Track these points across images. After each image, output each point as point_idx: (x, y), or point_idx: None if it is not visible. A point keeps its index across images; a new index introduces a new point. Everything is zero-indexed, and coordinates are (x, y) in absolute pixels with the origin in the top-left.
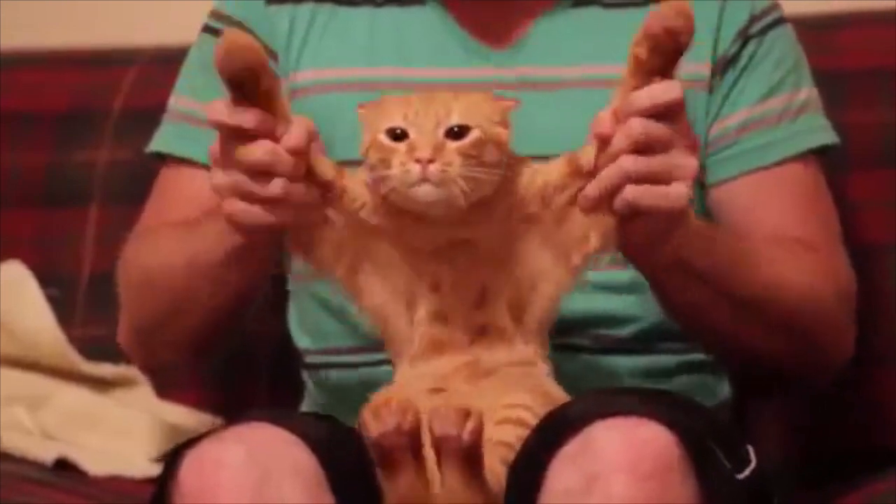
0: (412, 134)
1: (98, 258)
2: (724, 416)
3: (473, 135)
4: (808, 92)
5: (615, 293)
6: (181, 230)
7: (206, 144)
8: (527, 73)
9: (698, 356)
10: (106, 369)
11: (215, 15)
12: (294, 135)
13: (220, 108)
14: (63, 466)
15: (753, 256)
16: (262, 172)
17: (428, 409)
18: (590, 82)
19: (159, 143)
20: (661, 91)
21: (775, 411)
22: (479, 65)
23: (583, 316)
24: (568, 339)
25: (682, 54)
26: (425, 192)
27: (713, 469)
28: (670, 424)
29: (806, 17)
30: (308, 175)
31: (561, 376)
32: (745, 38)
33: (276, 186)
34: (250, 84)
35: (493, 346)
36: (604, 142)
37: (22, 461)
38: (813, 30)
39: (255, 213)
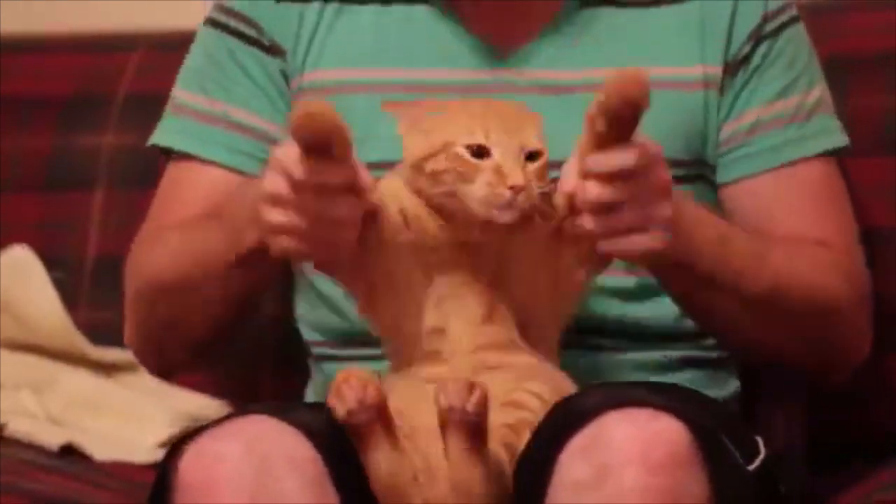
0: (497, 155)
1: (103, 242)
2: (733, 408)
3: (545, 158)
4: (819, 91)
5: (624, 298)
6: (188, 231)
7: (213, 141)
8: (534, 76)
9: (706, 352)
10: (112, 353)
11: (222, 9)
12: (365, 184)
13: (296, 163)
14: (69, 452)
15: (768, 256)
16: (332, 197)
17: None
18: (598, 86)
19: (165, 137)
20: (617, 159)
21: (782, 401)
22: (487, 67)
23: (591, 315)
24: (576, 337)
25: (639, 120)
26: (509, 216)
27: (724, 461)
28: (682, 416)
29: (811, 1)
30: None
31: (569, 373)
32: (757, 38)
33: (346, 233)
34: (328, 147)
35: (500, 353)
36: (568, 197)
37: (28, 446)
38: (818, 14)
39: (306, 250)
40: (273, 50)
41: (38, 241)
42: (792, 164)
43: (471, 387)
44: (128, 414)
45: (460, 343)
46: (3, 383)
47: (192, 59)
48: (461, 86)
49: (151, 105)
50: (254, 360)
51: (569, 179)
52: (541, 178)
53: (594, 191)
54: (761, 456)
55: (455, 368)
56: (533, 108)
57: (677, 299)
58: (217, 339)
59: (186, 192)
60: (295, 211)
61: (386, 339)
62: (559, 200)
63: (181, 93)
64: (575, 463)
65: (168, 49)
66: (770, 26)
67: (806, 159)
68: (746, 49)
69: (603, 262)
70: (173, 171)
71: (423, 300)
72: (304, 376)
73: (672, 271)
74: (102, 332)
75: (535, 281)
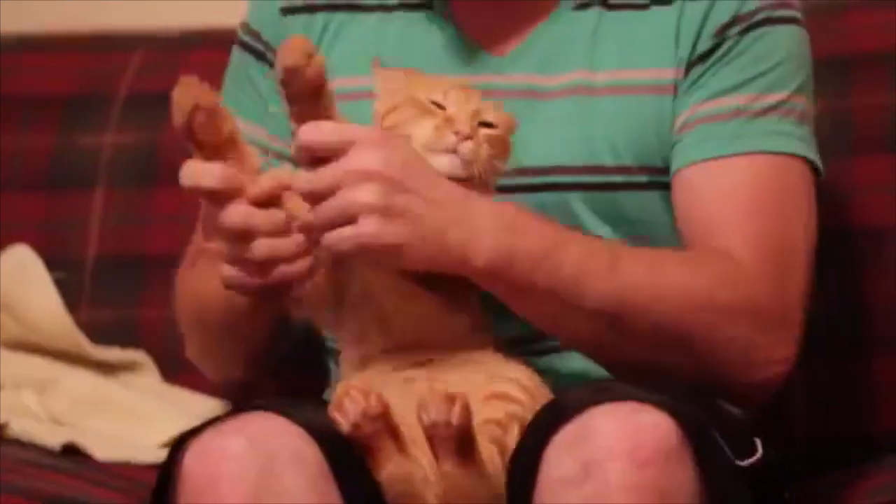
0: (451, 109)
1: (104, 241)
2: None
3: (500, 132)
4: (785, 96)
5: None
6: (203, 273)
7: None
8: (522, 80)
9: None
10: (113, 353)
11: (242, 26)
12: (261, 187)
13: (189, 171)
14: (70, 452)
15: (619, 266)
16: (243, 236)
17: (405, 397)
18: (589, 89)
19: None
20: (304, 134)
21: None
22: (478, 71)
23: None
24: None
25: (320, 87)
26: (449, 163)
27: (713, 456)
28: (668, 410)
29: (812, 1)
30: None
31: (552, 372)
32: (722, 35)
33: (259, 249)
34: (207, 131)
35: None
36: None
37: (29, 446)
38: (818, 13)
39: (245, 278)
40: None
41: (39, 240)
42: (722, 158)
43: (451, 399)
44: (129, 414)
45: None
46: (4, 383)
47: (225, 81)
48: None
49: (152, 104)
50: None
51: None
52: (493, 148)
53: (301, 179)
54: (757, 454)
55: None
56: (520, 112)
57: (516, 311)
58: (261, 359)
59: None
60: (216, 234)
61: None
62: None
63: None
64: (560, 459)
65: (169, 49)
66: (740, 26)
67: (741, 156)
68: (709, 45)
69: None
70: None
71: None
72: (307, 378)
73: (482, 276)
74: (103, 331)
75: None
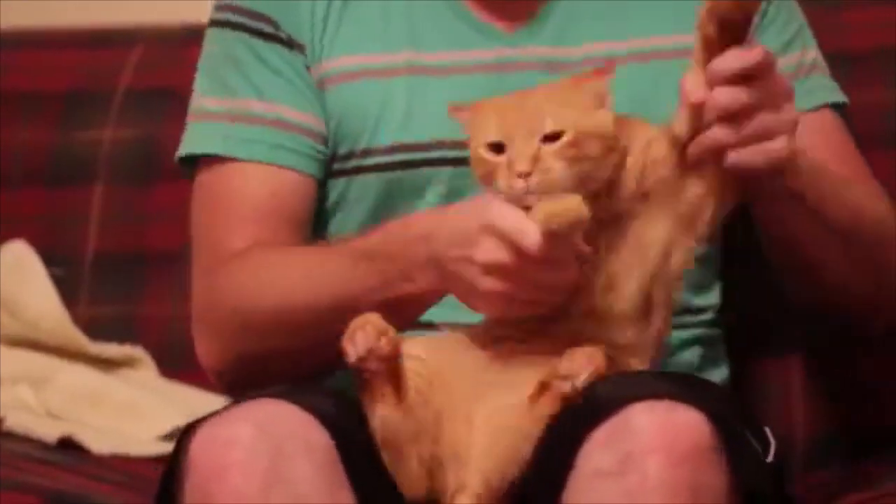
0: (509, 147)
1: (103, 238)
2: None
3: (566, 137)
4: (815, 53)
5: None
6: (302, 258)
7: (253, 140)
8: (537, 53)
9: (702, 331)
10: (111, 349)
11: (232, 9)
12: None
13: (529, 235)
14: (67, 445)
15: (844, 189)
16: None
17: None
18: (605, 59)
19: (201, 144)
20: (741, 60)
21: (774, 393)
22: (491, 46)
23: None
24: None
25: (751, 22)
26: (534, 200)
27: (745, 453)
28: (704, 408)
29: None
30: None
31: None
32: None
33: (560, 294)
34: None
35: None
36: (696, 110)
37: (25, 440)
38: (817, 10)
39: (516, 312)
40: (291, 44)
41: (38, 236)
42: (804, 112)
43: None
44: (127, 408)
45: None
46: (1, 378)
47: (209, 63)
48: (466, 67)
49: (151, 100)
50: None
51: (695, 90)
52: (567, 156)
53: (725, 96)
54: (773, 446)
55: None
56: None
57: (766, 230)
58: (316, 369)
59: (235, 198)
60: (515, 281)
61: None
62: (682, 120)
63: (205, 100)
64: (597, 452)
65: (168, 44)
66: None
67: (813, 111)
68: None
69: (730, 191)
70: (212, 179)
71: None
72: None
73: (772, 205)
74: (102, 327)
75: (661, 233)
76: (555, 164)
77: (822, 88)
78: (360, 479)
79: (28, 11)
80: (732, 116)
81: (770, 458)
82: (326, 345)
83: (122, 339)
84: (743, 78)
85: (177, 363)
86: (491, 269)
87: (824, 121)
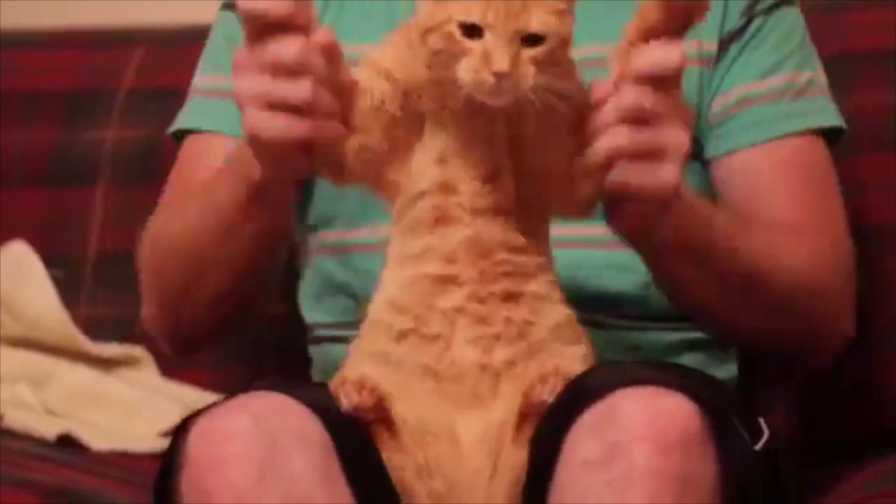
0: (488, 37)
1: (104, 238)
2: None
3: (550, 43)
4: (812, 75)
5: (625, 272)
6: (198, 193)
7: (233, 116)
8: None
9: (704, 334)
10: (111, 349)
11: None
12: (323, 32)
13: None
14: (66, 442)
15: (749, 238)
16: (291, 75)
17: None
18: (597, 62)
19: (184, 120)
20: (660, 55)
21: (777, 392)
22: None
23: (593, 294)
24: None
25: (692, 24)
26: (499, 102)
27: (733, 441)
28: (692, 395)
29: None
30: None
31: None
32: (750, 14)
33: (306, 89)
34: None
35: (495, 223)
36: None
37: (24, 437)
38: (820, 12)
39: (278, 123)
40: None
41: (39, 237)
42: (778, 139)
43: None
44: (127, 407)
45: (463, 200)
46: (1, 377)
47: (212, 45)
48: None
49: (154, 100)
50: (255, 359)
51: (602, 88)
52: (543, 64)
53: (630, 96)
54: (765, 436)
55: (451, 234)
56: None
57: (656, 276)
58: (227, 309)
59: (205, 165)
60: (261, 71)
61: (386, 201)
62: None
63: (201, 78)
64: (584, 440)
65: (170, 44)
66: (763, 5)
67: (793, 136)
68: (739, 24)
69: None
70: (191, 147)
71: (424, 158)
72: (306, 374)
73: (657, 250)
74: (103, 327)
75: (547, 163)
76: (529, 70)
77: (812, 112)
78: (355, 472)
79: (29, 11)
80: (634, 119)
81: (760, 446)
82: (232, 269)
83: (123, 339)
84: (655, 80)
85: (177, 363)
86: (242, 67)
87: (795, 149)
